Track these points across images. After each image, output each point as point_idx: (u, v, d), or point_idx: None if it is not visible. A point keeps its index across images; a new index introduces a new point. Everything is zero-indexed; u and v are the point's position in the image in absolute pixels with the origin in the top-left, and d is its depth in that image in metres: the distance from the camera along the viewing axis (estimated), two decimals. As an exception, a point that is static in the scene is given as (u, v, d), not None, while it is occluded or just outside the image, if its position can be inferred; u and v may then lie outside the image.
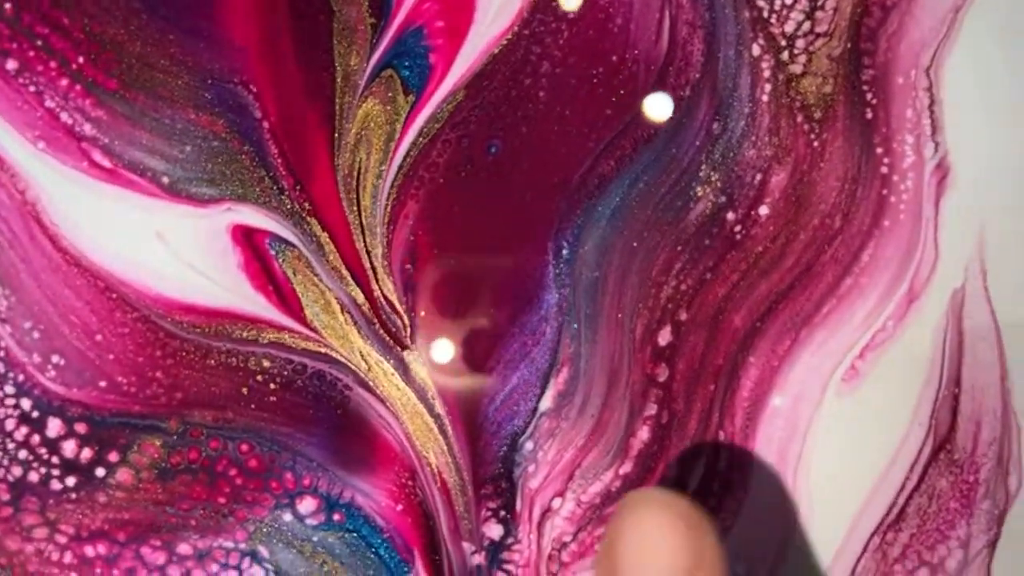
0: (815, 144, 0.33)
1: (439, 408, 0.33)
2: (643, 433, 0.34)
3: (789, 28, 0.33)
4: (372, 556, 0.33)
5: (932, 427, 0.34)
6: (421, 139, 0.32)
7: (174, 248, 0.33)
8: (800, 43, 0.33)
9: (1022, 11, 0.33)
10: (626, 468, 0.34)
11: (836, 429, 0.33)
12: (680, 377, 0.33)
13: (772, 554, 0.33)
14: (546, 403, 0.32)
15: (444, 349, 0.33)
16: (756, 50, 0.33)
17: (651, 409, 0.34)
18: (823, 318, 0.34)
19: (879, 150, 0.33)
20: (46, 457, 0.34)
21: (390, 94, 0.33)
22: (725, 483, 0.33)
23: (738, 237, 0.33)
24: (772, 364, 0.34)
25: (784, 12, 0.33)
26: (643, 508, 0.25)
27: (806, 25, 0.33)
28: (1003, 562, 0.34)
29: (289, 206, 0.32)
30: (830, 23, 0.33)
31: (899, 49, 0.34)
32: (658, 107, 0.32)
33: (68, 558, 0.34)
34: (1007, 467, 0.34)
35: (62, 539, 0.34)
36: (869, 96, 0.34)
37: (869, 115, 0.34)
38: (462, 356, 0.33)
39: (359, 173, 0.33)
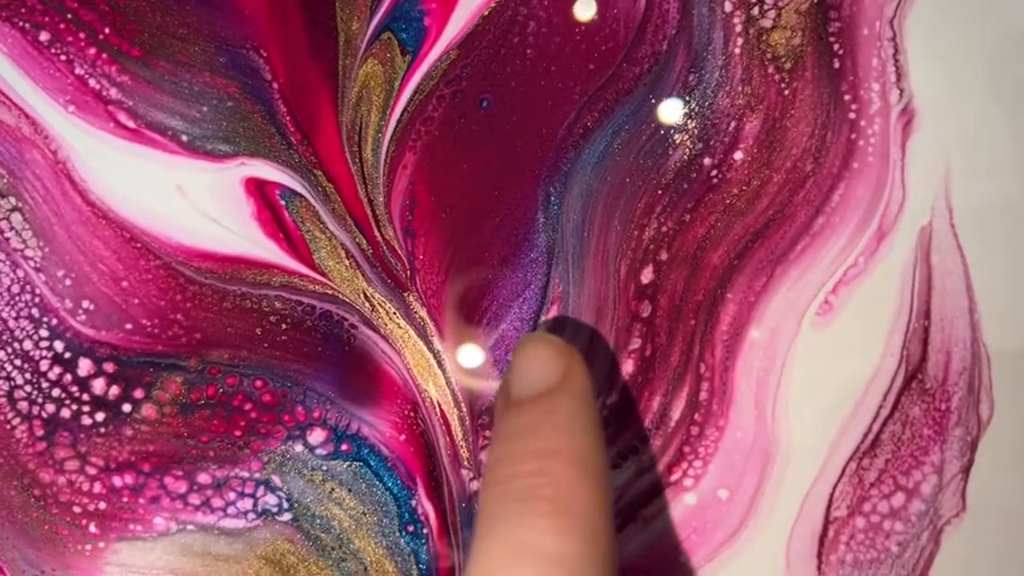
0: (786, 92, 0.35)
1: (438, 344, 0.35)
2: (628, 366, 0.34)
3: (759, -15, 0.35)
4: (377, 483, 0.33)
5: (904, 358, 0.35)
6: (417, 96, 0.33)
7: (193, 200, 0.34)
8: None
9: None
10: (612, 398, 0.35)
11: (812, 360, 0.33)
12: (662, 313, 0.34)
13: (753, 482, 0.35)
14: (537, 339, 0.35)
15: (441, 290, 0.35)
16: (728, 7, 0.35)
17: (635, 343, 0.34)
18: (797, 255, 0.35)
19: (847, 97, 0.35)
20: (77, 395, 0.36)
21: (389, 55, 0.34)
22: (706, 413, 0.35)
23: (715, 181, 0.35)
24: (749, 299, 0.35)
25: (754, -30, 0.35)
26: (522, 341, 0.30)
27: None
28: (978, 487, 0.35)
29: (297, 160, 0.33)
30: (798, -20, 0.35)
31: (864, 2, 0.35)
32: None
33: (97, 488, 0.36)
34: (978, 395, 0.35)
35: (92, 470, 0.36)
36: (836, 47, 0.35)
37: (836, 65, 0.35)
38: (458, 296, 0.35)
39: (361, 128, 0.34)
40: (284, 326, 0.33)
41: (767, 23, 0.33)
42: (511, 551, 0.25)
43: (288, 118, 0.33)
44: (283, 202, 0.33)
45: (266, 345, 0.33)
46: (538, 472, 0.26)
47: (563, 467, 0.26)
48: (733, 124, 0.33)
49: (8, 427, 0.33)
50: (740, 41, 0.33)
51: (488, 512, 0.27)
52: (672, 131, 0.33)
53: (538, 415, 0.28)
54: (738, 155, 0.33)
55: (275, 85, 0.33)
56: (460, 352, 0.33)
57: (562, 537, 0.25)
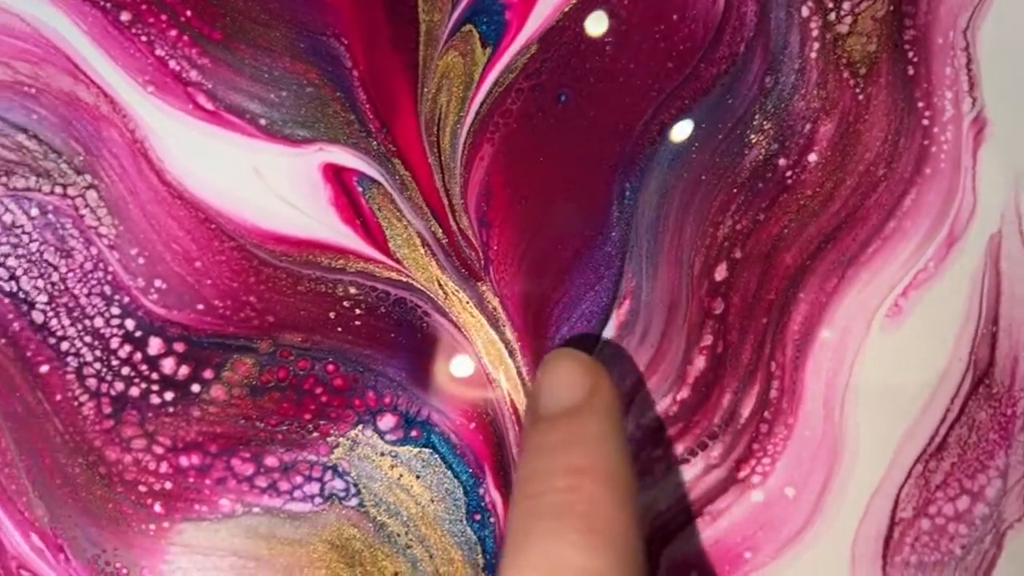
0: (860, 98, 0.35)
1: (510, 335, 0.35)
2: (699, 362, 0.35)
3: (837, -9, 0.36)
4: (446, 470, 0.33)
5: (971, 362, 0.35)
6: (496, 88, 0.33)
7: (269, 183, 0.33)
8: (846, 5, 0.35)
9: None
10: (683, 394, 0.35)
11: (881, 362, 0.33)
12: (735, 310, 0.34)
13: (819, 481, 0.35)
14: (609, 333, 0.33)
15: (515, 281, 0.35)
16: (805, 11, 0.35)
17: (707, 340, 0.34)
18: (868, 258, 0.35)
19: (920, 104, 0.35)
20: (146, 373, 0.35)
21: (469, 47, 0.34)
22: (776, 411, 0.35)
23: (789, 181, 0.35)
24: (820, 300, 0.35)
25: (832, -23, 0.36)
26: (550, 357, 0.30)
27: None
28: (1038, 494, 0.35)
29: (376, 147, 0.33)
30: (875, -13, 0.36)
31: (938, 12, 0.36)
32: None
33: (164, 468, 0.35)
34: (1042, 402, 0.35)
35: (159, 450, 0.35)
36: (910, 55, 0.36)
37: (911, 72, 0.35)
38: (531, 288, 0.35)
39: (439, 118, 0.34)
40: (358, 311, 0.33)
41: (843, 28, 0.33)
42: (544, 567, 0.25)
43: (367, 106, 0.34)
44: (360, 189, 0.33)
45: (339, 329, 0.33)
46: (570, 489, 0.26)
47: (594, 484, 0.26)
48: (808, 127, 0.33)
49: (75, 404, 0.33)
50: (816, 46, 0.33)
51: (519, 527, 0.27)
52: (749, 131, 0.33)
53: (567, 431, 0.28)
54: (812, 157, 0.33)
55: (355, 73, 0.34)
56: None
57: (595, 554, 0.25)
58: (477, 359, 0.33)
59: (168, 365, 0.33)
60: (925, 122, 0.33)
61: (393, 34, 0.33)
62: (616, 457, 0.27)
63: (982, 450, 0.32)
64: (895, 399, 0.33)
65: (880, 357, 0.33)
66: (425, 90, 0.33)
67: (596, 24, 0.33)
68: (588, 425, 0.28)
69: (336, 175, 0.33)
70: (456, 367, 0.33)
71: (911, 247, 0.33)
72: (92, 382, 0.33)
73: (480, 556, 0.33)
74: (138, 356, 0.33)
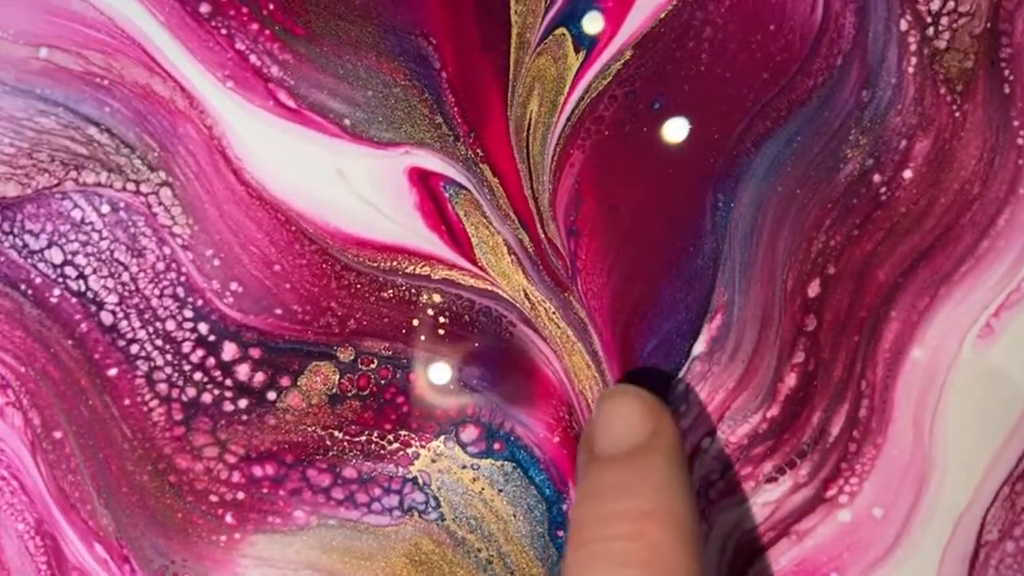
0: (956, 115, 0.35)
1: (597, 347, 0.34)
2: (790, 379, 0.34)
3: (935, 6, 0.35)
4: (529, 485, 0.32)
5: None
6: (589, 95, 0.32)
7: (353, 186, 0.32)
8: (944, 21, 0.35)
9: None
10: (773, 412, 0.35)
11: (971, 383, 0.32)
12: (827, 328, 0.33)
13: (908, 502, 0.35)
14: (699, 347, 0.32)
15: (604, 292, 0.34)
16: (904, 25, 0.35)
17: (799, 357, 0.33)
18: (961, 277, 0.34)
19: (1015, 123, 0.35)
20: (220, 379, 0.34)
21: (561, 51, 0.33)
22: (865, 430, 0.35)
23: (883, 198, 0.35)
24: (912, 319, 0.34)
25: (930, -9, 0.35)
26: (609, 394, 0.29)
27: (950, 4, 0.35)
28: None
29: (463, 152, 0.32)
30: (972, 4, 0.35)
31: (1036, 30, 0.35)
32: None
33: (236, 477, 0.34)
34: None
35: (231, 459, 0.34)
36: (1007, 73, 0.35)
37: (1007, 90, 0.35)
38: (621, 300, 0.35)
39: (530, 124, 0.32)
40: (442, 319, 0.32)
41: (941, 44, 0.33)
42: None
43: (456, 109, 0.32)
44: (447, 194, 0.32)
45: (423, 338, 0.32)
46: (633, 536, 0.25)
47: (658, 529, 0.25)
48: (904, 143, 0.32)
49: (145, 409, 0.32)
50: (914, 60, 0.33)
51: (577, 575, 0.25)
52: (844, 145, 0.32)
53: (628, 473, 0.27)
54: (907, 174, 0.32)
55: (444, 75, 0.33)
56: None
57: None
58: (563, 371, 0.32)
59: (243, 371, 0.32)
60: (1020, 141, 0.33)
61: (483, 36, 0.32)
62: (682, 501, 0.26)
63: (1069, 474, 0.32)
64: (984, 420, 0.32)
65: (971, 377, 0.32)
66: (515, 94, 0.32)
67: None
68: (651, 467, 0.26)
69: (422, 179, 0.32)
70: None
71: (1004, 267, 0.32)
72: (163, 387, 0.32)
73: (564, 573, 0.32)
74: (211, 361, 0.32)
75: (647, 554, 0.25)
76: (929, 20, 0.32)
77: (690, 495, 0.27)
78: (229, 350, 0.32)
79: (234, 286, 0.32)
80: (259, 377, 0.32)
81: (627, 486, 0.26)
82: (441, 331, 0.32)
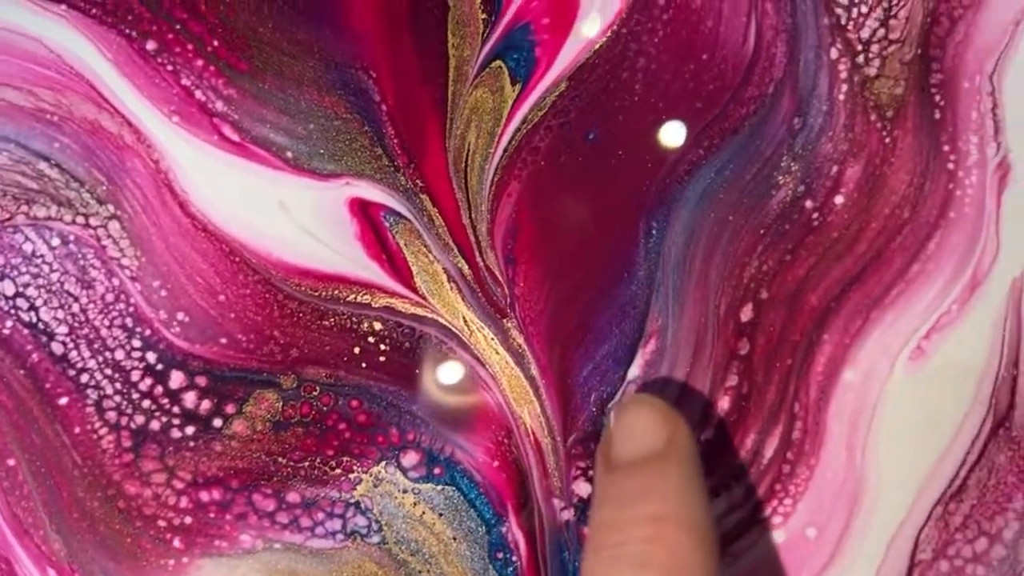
0: (887, 141, 0.36)
1: (534, 372, 0.34)
2: (724, 403, 0.34)
3: (865, 34, 0.36)
4: (469, 509, 0.32)
5: (992, 405, 0.35)
6: (525, 125, 0.33)
7: (295, 217, 0.33)
8: (875, 48, 0.35)
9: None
10: (707, 435, 0.34)
11: (903, 404, 0.32)
12: (760, 351, 0.33)
13: (841, 522, 0.35)
14: (634, 371, 0.32)
15: (541, 318, 0.35)
16: (834, 53, 0.35)
17: (732, 380, 0.33)
18: (892, 300, 0.35)
19: (946, 148, 0.36)
20: (167, 407, 0.34)
21: (498, 83, 0.33)
22: (799, 452, 0.35)
23: (815, 223, 0.35)
24: (844, 342, 0.35)
25: (860, 19, 0.35)
26: (626, 404, 0.30)
27: (880, 32, 0.35)
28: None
29: (403, 183, 0.33)
30: (902, 30, 0.36)
31: (965, 56, 0.36)
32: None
33: (184, 502, 0.35)
34: (1061, 446, 0.35)
35: (179, 484, 0.35)
36: (937, 98, 0.36)
37: (937, 116, 0.35)
38: (558, 326, 0.35)
39: (468, 154, 0.33)
40: (383, 347, 0.33)
41: (871, 71, 0.33)
42: None
43: (395, 141, 0.33)
44: (387, 224, 0.33)
45: (364, 365, 0.33)
46: (651, 538, 0.26)
47: (676, 532, 0.26)
48: (835, 169, 0.33)
49: (95, 437, 0.33)
50: (844, 88, 0.33)
51: None
52: (776, 172, 0.33)
53: (647, 479, 0.27)
54: (839, 199, 0.33)
55: (384, 107, 0.33)
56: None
57: None
58: (501, 397, 0.33)
59: (190, 399, 0.33)
60: (950, 166, 0.33)
61: (422, 69, 0.33)
62: (698, 506, 0.27)
63: (1001, 492, 0.33)
64: (916, 441, 0.33)
65: (902, 399, 0.33)
66: (454, 126, 0.33)
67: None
68: (668, 473, 0.27)
69: (363, 210, 0.33)
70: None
71: (935, 290, 0.33)
72: (112, 415, 0.33)
73: (503, 595, 0.33)
74: (159, 389, 0.33)
75: (665, 556, 0.25)
76: (859, 48, 0.33)
77: (706, 500, 0.27)
78: (176, 378, 0.33)
79: (181, 316, 0.33)
80: (205, 405, 0.33)
81: (645, 491, 0.27)
82: (382, 358, 0.33)
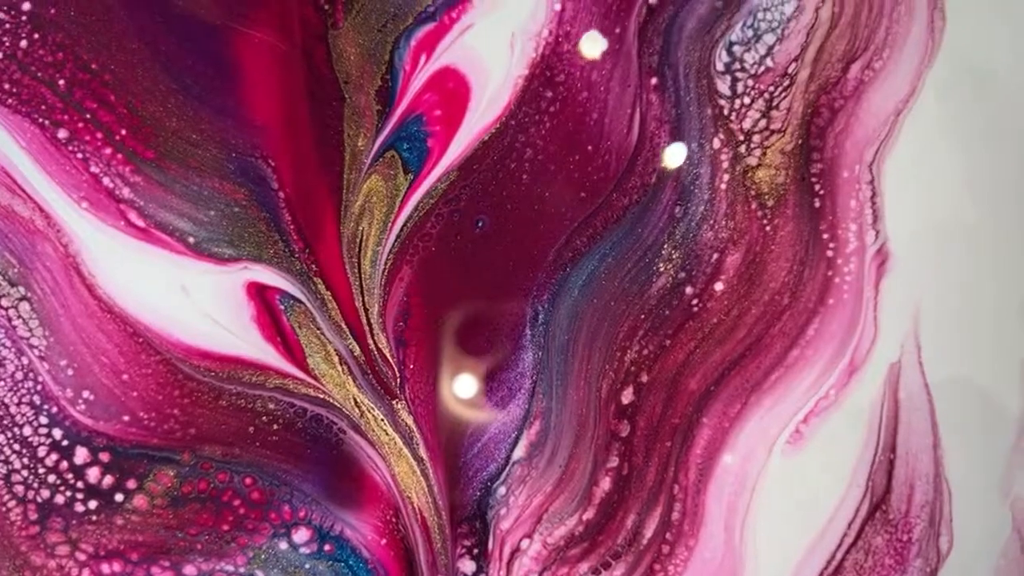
0: (767, 228, 0.37)
1: (423, 453, 0.36)
2: (605, 483, 0.35)
3: (747, 124, 0.36)
4: None
5: (869, 488, 0.36)
6: (417, 213, 0.34)
7: (196, 300, 0.34)
8: (756, 138, 0.36)
9: (955, 117, 0.36)
10: (589, 514, 0.36)
11: (781, 487, 0.33)
12: (640, 433, 0.35)
13: (720, 599, 0.36)
14: (519, 452, 0.33)
15: (430, 399, 0.36)
16: (716, 143, 0.36)
17: (613, 461, 0.35)
18: (771, 385, 0.36)
19: (825, 236, 0.36)
20: (72, 482, 0.36)
21: (391, 172, 0.35)
22: (678, 533, 0.36)
23: (695, 309, 0.36)
24: (724, 425, 0.36)
25: (743, 110, 0.36)
26: None
27: (762, 122, 0.36)
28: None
29: (298, 267, 0.34)
30: (784, 121, 0.37)
31: (845, 146, 0.37)
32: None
33: (86, 574, 0.37)
34: (938, 528, 0.36)
35: (82, 556, 0.36)
36: (817, 187, 0.37)
37: (817, 204, 0.36)
38: (446, 406, 0.37)
39: (361, 240, 0.34)
40: (276, 426, 0.34)
41: (753, 161, 0.34)
42: None
43: (292, 227, 0.35)
44: (282, 307, 0.35)
45: (258, 444, 0.34)
46: None
47: None
48: (715, 256, 0.34)
49: (3, 509, 0.34)
50: (726, 177, 0.34)
51: None
52: (657, 260, 0.34)
53: None
54: (719, 286, 0.34)
55: (281, 194, 0.35)
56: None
57: None
58: (390, 476, 0.34)
59: (93, 474, 0.34)
60: (830, 253, 0.34)
61: (319, 157, 0.35)
62: None
63: (878, 575, 0.33)
64: (794, 523, 0.33)
65: (780, 482, 0.33)
66: (348, 212, 0.34)
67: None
68: None
69: (259, 293, 0.34)
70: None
71: (813, 375, 0.34)
72: (19, 488, 0.34)
73: (388, 668, 0.34)
74: (64, 465, 0.34)
75: None
76: (741, 137, 0.34)
77: None
78: (81, 454, 0.34)
79: (86, 394, 0.34)
80: (108, 480, 0.34)
81: None
82: (275, 437, 0.34)
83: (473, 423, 0.34)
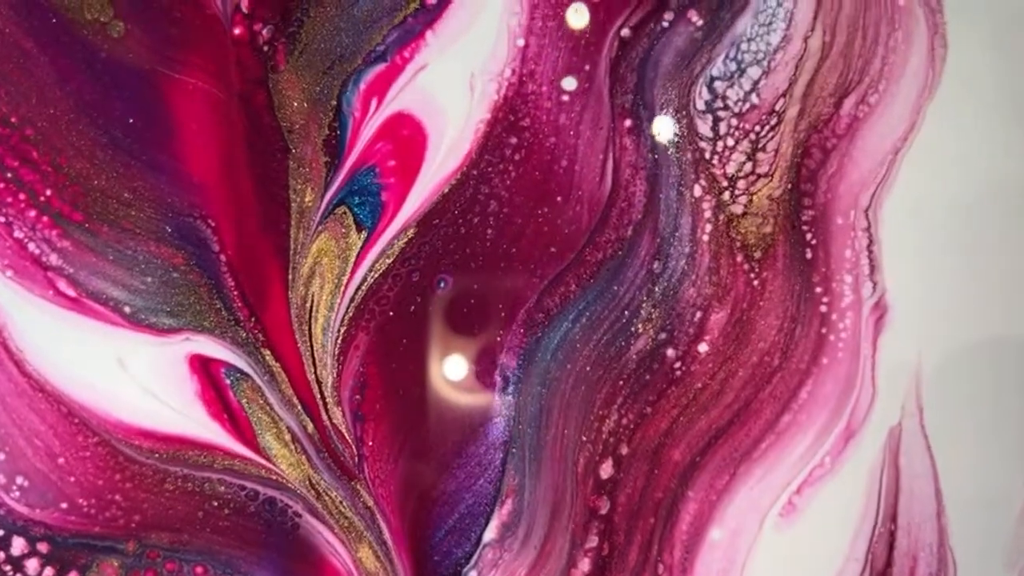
0: (755, 283, 0.34)
1: (386, 537, 0.32)
2: (584, 565, 0.32)
3: (731, 169, 0.33)
4: None
5: (868, 562, 0.33)
6: (372, 274, 0.31)
7: (134, 375, 0.31)
8: (741, 184, 0.33)
9: (957, 154, 0.33)
10: None
11: (773, 564, 0.30)
12: (621, 510, 0.31)
13: None
14: (490, 533, 0.31)
15: (392, 479, 0.34)
16: (698, 190, 0.33)
17: (592, 541, 0.31)
18: (761, 454, 0.33)
19: (818, 289, 0.34)
20: (10, 575, 0.35)
21: (343, 230, 0.31)
22: (664, 613, 0.34)
23: (678, 373, 0.33)
24: (711, 498, 0.33)
25: (726, 153, 0.33)
26: None
27: (747, 166, 0.33)
28: None
29: (244, 337, 0.31)
30: (771, 164, 0.34)
31: (839, 190, 0.34)
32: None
33: (28, 673, 0.34)
34: (943, 601, 0.34)
35: (23, 655, 0.34)
36: (809, 236, 0.34)
37: (808, 255, 0.33)
38: (410, 486, 0.34)
39: (312, 306, 0.31)
40: (226, 511, 0.32)
41: (738, 209, 0.31)
42: None
43: (235, 292, 0.32)
44: (228, 381, 0.32)
45: (208, 530, 0.32)
46: None
47: None
48: (699, 315, 0.31)
49: (-64, 606, 0.32)
50: (709, 228, 0.31)
51: None
52: (635, 319, 0.31)
53: None
54: (703, 347, 0.31)
55: (223, 257, 0.32)
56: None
57: None
58: (351, 562, 0.32)
59: (32, 567, 0.31)
60: (823, 308, 0.31)
61: (263, 216, 0.32)
62: None
63: (879, 653, 0.31)
64: (788, 601, 0.31)
65: (772, 558, 0.31)
66: (297, 275, 0.32)
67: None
68: None
69: (203, 366, 0.31)
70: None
71: (807, 441, 0.31)
72: (-48, 583, 0.32)
73: None
74: (0, 556, 0.32)
75: None
76: (725, 184, 0.31)
77: None
78: (18, 545, 0.31)
79: (20, 480, 0.31)
80: (48, 572, 0.31)
81: None
82: (226, 523, 0.31)
83: (440, 503, 0.31)
